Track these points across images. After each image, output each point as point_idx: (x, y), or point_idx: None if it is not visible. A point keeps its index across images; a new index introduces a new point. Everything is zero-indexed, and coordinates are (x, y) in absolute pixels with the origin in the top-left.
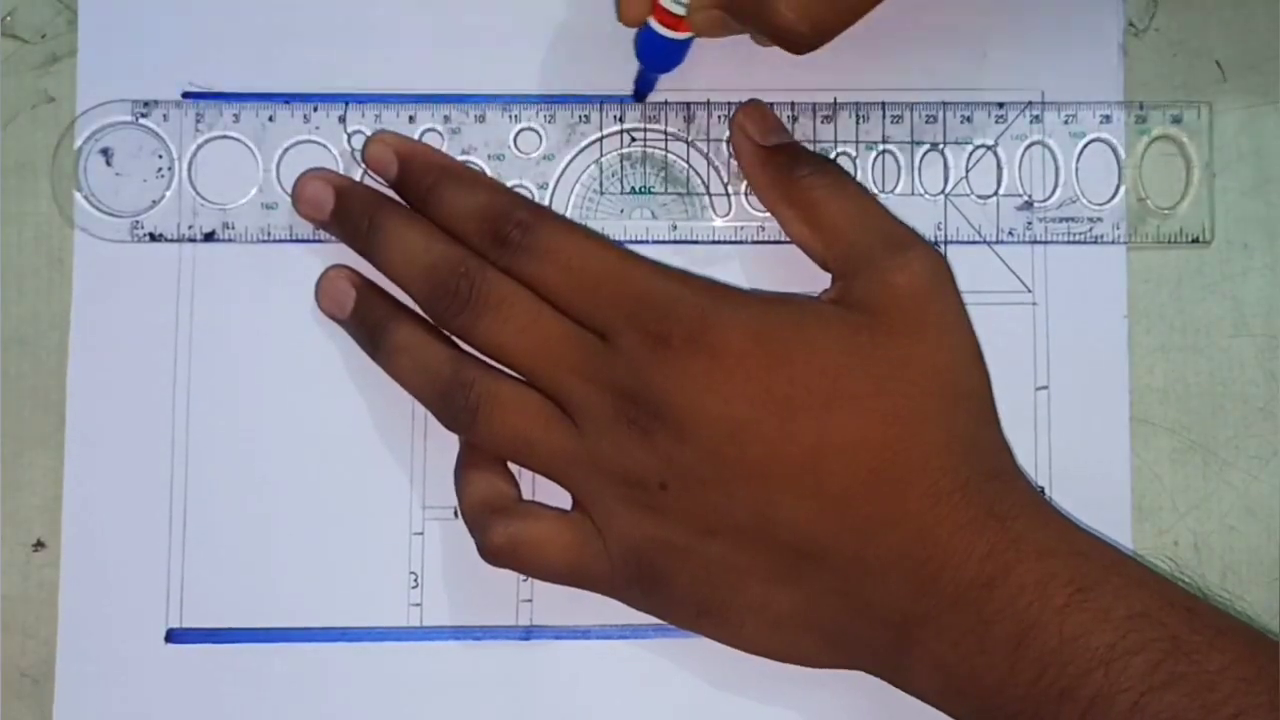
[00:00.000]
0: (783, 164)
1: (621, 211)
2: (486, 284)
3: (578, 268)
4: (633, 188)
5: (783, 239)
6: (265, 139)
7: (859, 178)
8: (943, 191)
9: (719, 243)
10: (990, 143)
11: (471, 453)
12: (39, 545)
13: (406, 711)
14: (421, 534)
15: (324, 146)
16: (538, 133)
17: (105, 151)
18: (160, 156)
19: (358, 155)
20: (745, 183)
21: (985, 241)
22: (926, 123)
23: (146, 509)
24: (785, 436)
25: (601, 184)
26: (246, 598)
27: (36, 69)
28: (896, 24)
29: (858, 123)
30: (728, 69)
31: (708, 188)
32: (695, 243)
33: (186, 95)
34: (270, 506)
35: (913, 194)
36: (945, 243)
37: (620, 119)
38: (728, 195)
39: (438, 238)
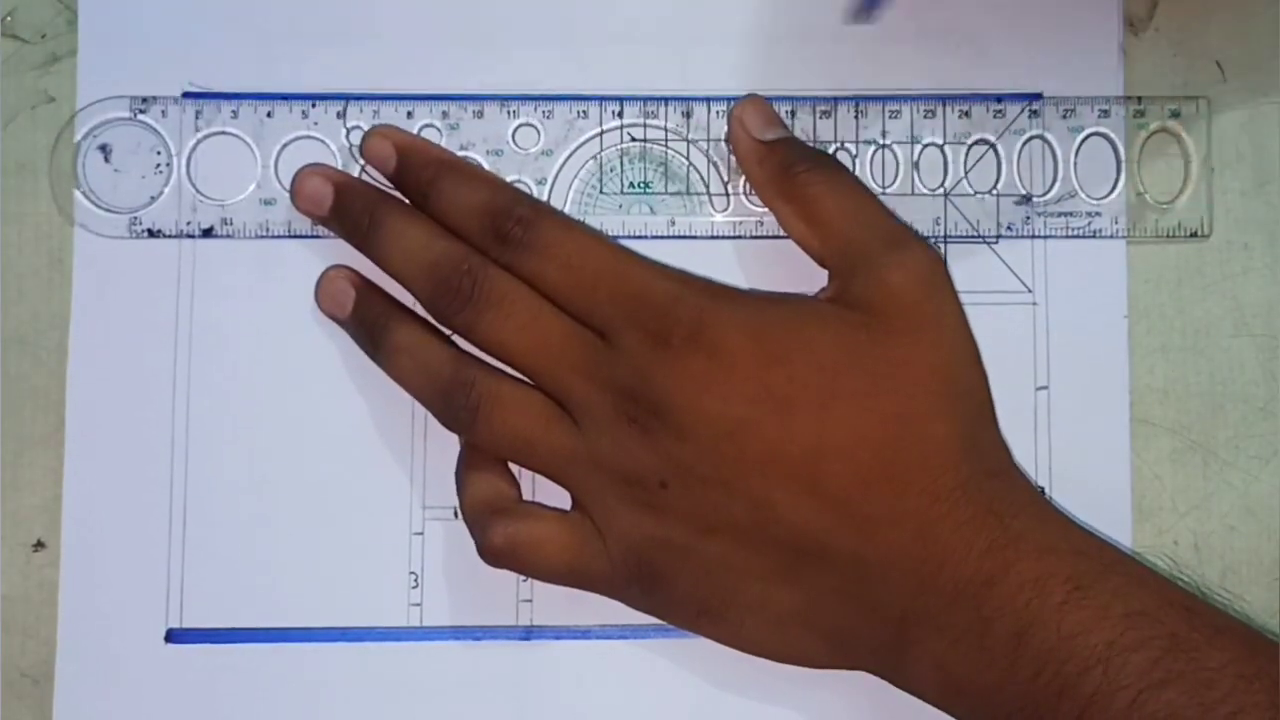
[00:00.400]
0: (781, 160)
1: (620, 207)
2: (488, 281)
3: (578, 265)
4: (632, 184)
5: (781, 235)
6: (264, 135)
7: (857, 174)
8: (941, 187)
9: (717, 238)
10: (989, 138)
11: (472, 453)
12: (39, 545)
13: (406, 711)
14: (421, 534)
15: (323, 142)
16: (536, 128)
17: (104, 148)
18: (159, 153)
19: (356, 151)
20: (744, 179)
21: (984, 239)
22: (925, 118)
23: (146, 509)
24: (784, 435)
25: (601, 180)
26: (246, 598)
27: (36, 69)
28: (896, 22)
29: (857, 119)
30: (727, 67)
31: (707, 185)
32: (694, 238)
33: (187, 95)
34: (270, 506)
35: (912, 191)
36: (944, 239)
37: (619, 115)
38: (726, 192)
39: (438, 234)
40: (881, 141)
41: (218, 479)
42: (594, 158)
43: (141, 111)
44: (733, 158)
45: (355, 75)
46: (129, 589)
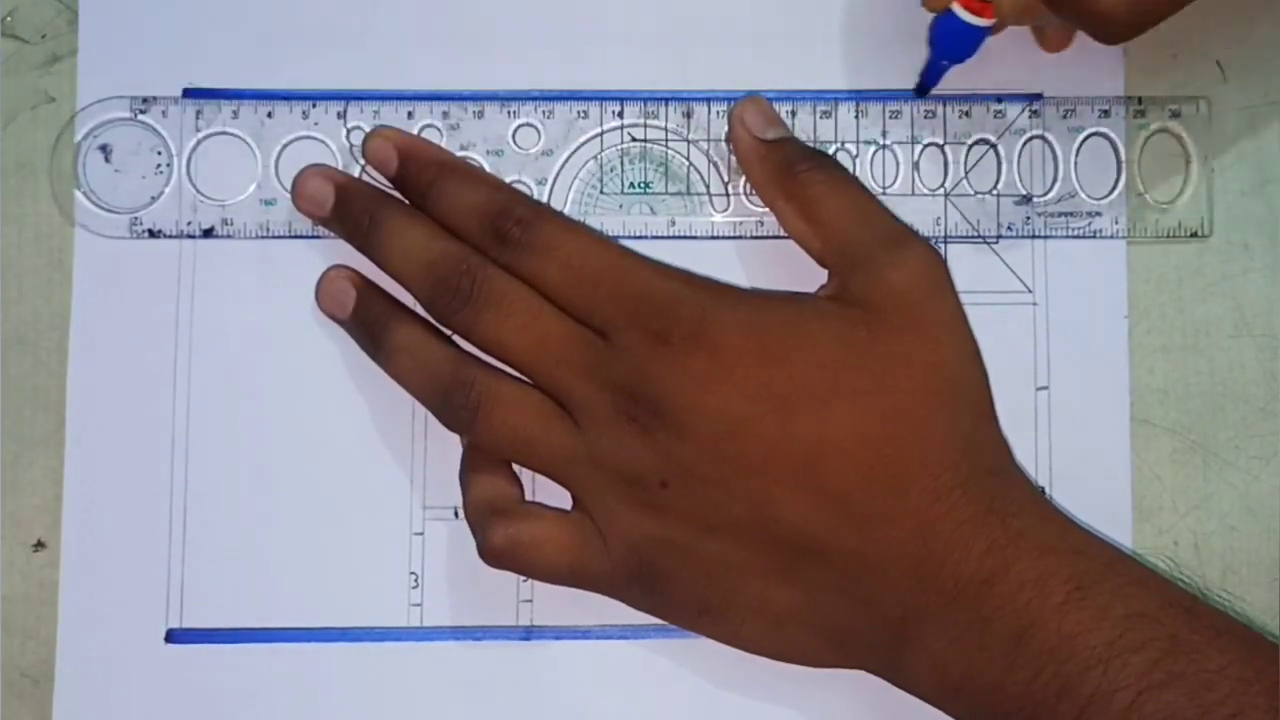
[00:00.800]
0: (781, 159)
1: (620, 207)
2: (487, 281)
3: (578, 265)
4: (632, 184)
5: (781, 234)
6: (264, 135)
7: (857, 174)
8: (941, 187)
9: (717, 238)
10: (989, 138)
11: (475, 454)
12: (39, 545)
13: (406, 711)
14: (421, 534)
15: (323, 143)
16: (536, 129)
17: (104, 148)
18: (159, 153)
19: (357, 151)
20: (744, 179)
21: (984, 239)
22: (925, 118)
23: (146, 509)
24: (785, 433)
25: (601, 180)
26: (247, 598)
27: (37, 69)
28: (897, 21)
29: (857, 119)
30: (726, 66)
31: (707, 185)
32: (694, 238)
33: (187, 93)
34: (270, 506)
35: (912, 191)
36: (945, 239)
37: (619, 114)
38: (727, 193)
39: (438, 234)
40: (881, 141)
41: (218, 479)
42: (594, 158)
43: (142, 112)
44: (733, 158)
45: (355, 74)
46: (129, 589)
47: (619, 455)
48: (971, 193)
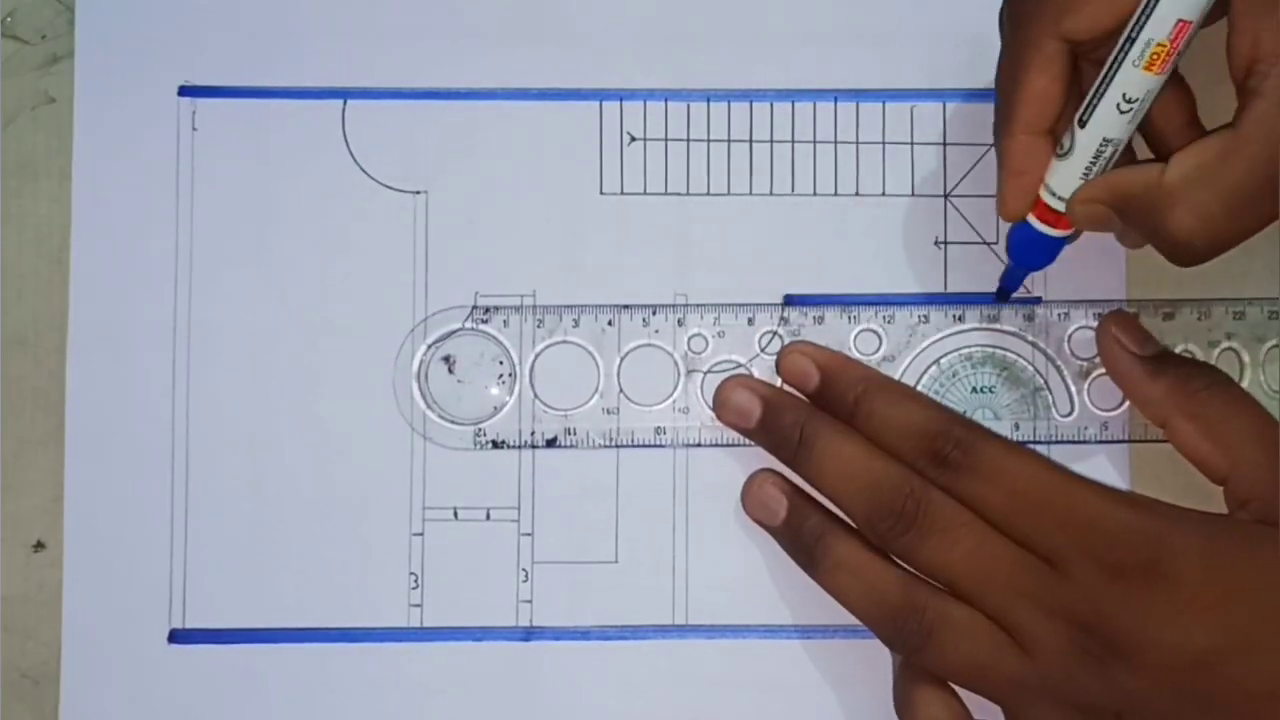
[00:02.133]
0: (1174, 376)
1: (964, 413)
2: (931, 505)
3: (1022, 490)
4: (974, 388)
5: (1135, 438)
6: (604, 344)
7: (859, 175)
8: (942, 187)
9: (1063, 442)
10: (989, 139)
11: (916, 671)
12: (39, 546)
13: (406, 711)
14: (421, 534)
15: (667, 352)
16: (877, 334)
17: (448, 359)
18: (501, 363)
19: (695, 358)
20: (1089, 382)
21: (984, 239)
22: (925, 119)
23: (148, 509)
24: (1247, 671)
25: (943, 385)
26: (249, 598)
27: (37, 69)
28: (897, 21)
29: (857, 118)
30: (726, 68)
31: (1049, 387)
32: (1038, 443)
33: (183, 91)
34: (271, 507)
35: (912, 192)
36: (945, 240)
37: (960, 319)
38: (1070, 394)
39: (875, 454)
40: (880, 141)
41: (218, 479)
42: (936, 363)
43: (484, 321)
44: (1075, 360)
45: (356, 71)
46: (132, 590)
47: (1071, 687)
48: (971, 193)
